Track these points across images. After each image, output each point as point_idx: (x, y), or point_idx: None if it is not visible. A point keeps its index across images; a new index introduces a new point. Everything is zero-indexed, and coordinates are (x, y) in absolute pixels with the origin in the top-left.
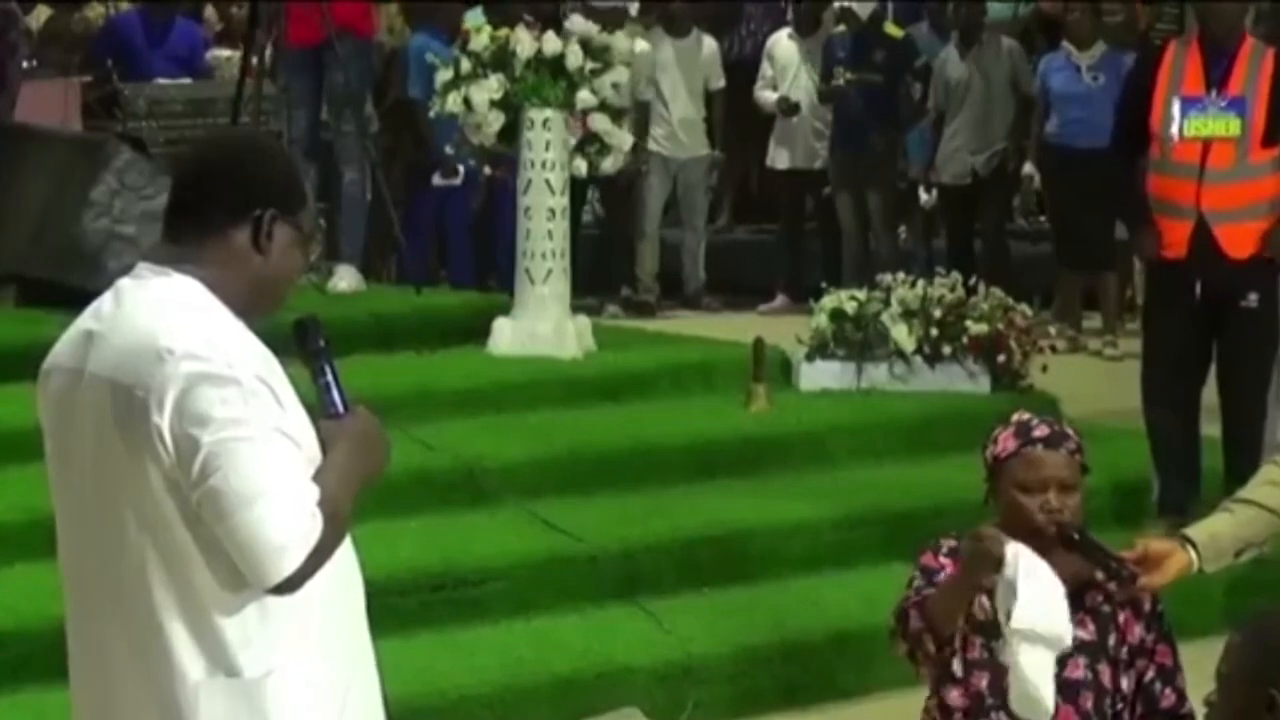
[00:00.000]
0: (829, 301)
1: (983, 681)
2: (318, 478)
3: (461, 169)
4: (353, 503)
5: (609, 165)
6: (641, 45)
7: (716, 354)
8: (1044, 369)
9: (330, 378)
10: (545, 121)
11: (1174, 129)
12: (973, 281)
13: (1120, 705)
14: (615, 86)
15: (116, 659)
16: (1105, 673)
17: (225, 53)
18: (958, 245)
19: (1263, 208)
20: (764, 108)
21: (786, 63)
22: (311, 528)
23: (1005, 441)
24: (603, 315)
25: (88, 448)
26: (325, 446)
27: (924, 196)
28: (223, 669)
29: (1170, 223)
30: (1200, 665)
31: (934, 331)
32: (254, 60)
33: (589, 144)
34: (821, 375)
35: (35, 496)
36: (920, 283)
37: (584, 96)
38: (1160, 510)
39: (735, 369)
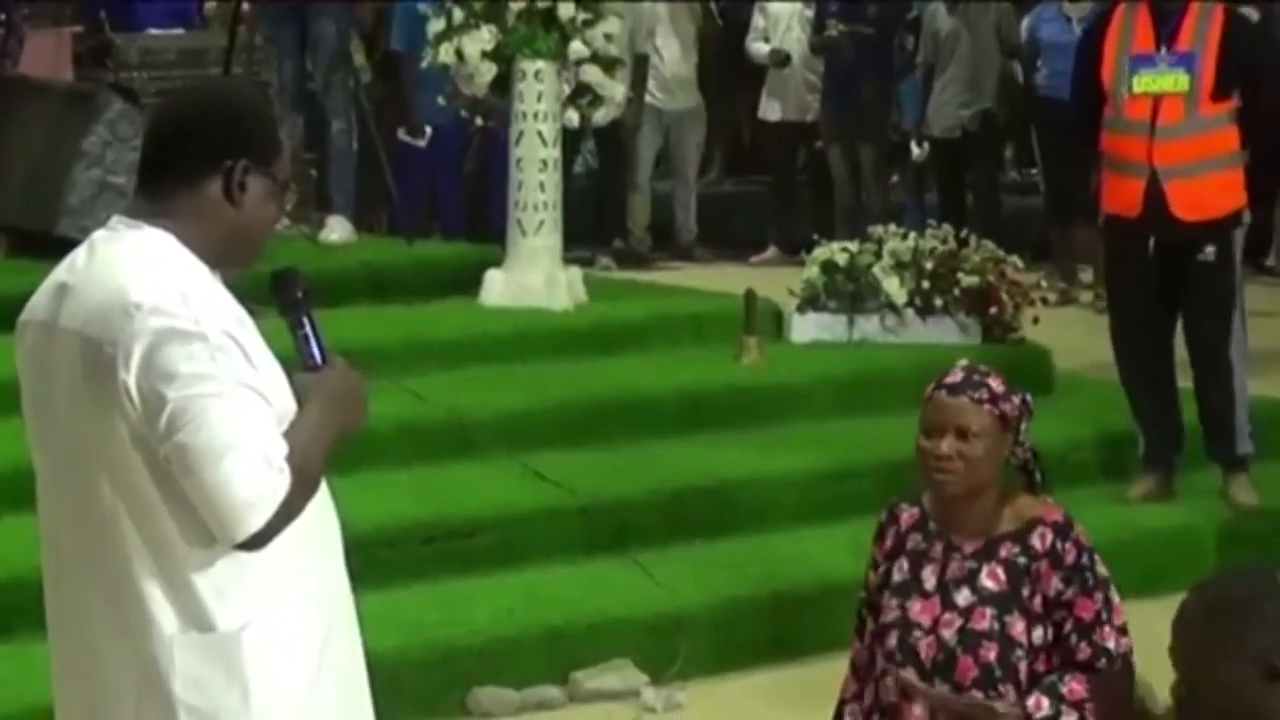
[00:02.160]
0: (820, 253)
1: (893, 640)
2: (289, 433)
3: (429, 129)
4: (325, 457)
5: (601, 117)
6: None
7: (708, 306)
8: (1035, 321)
9: (309, 329)
10: (537, 73)
11: (1124, 86)
12: (964, 234)
13: (1034, 658)
14: (607, 37)
15: (94, 612)
16: (1016, 625)
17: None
18: (949, 198)
19: (1217, 161)
20: (755, 60)
21: (779, 14)
22: (279, 483)
23: (929, 387)
24: (594, 267)
25: (60, 402)
26: (300, 400)
27: (915, 150)
28: (197, 623)
29: (1124, 180)
30: None
31: (925, 284)
32: (244, 10)
33: (581, 95)
34: (813, 327)
35: (24, 447)
36: (912, 235)
37: (576, 48)
38: (1145, 464)
39: (726, 321)
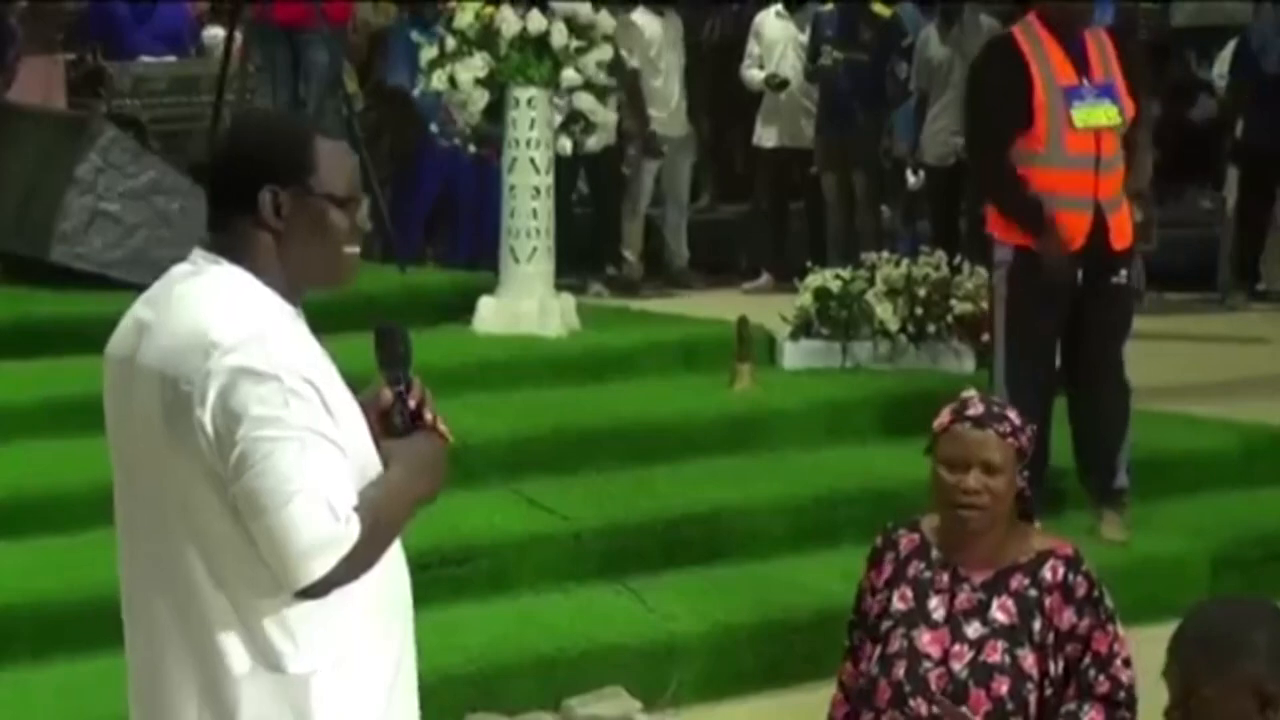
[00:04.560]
0: (813, 280)
1: (900, 670)
2: (369, 489)
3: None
4: (404, 519)
5: (594, 143)
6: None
7: (700, 333)
8: None
9: (403, 387)
10: (530, 100)
11: (1063, 121)
12: (957, 260)
13: (1049, 691)
14: (600, 65)
15: (167, 647)
16: (1027, 658)
17: (221, 32)
18: (943, 225)
19: (1126, 188)
20: (751, 86)
21: (773, 41)
22: (344, 534)
23: (943, 416)
24: (587, 294)
25: (138, 438)
26: (386, 461)
27: (911, 179)
28: (268, 664)
29: (1066, 216)
30: None
31: (918, 310)
32: (237, 38)
33: (574, 122)
34: (805, 354)
35: (18, 475)
36: (905, 261)
37: (569, 75)
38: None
39: (719, 348)
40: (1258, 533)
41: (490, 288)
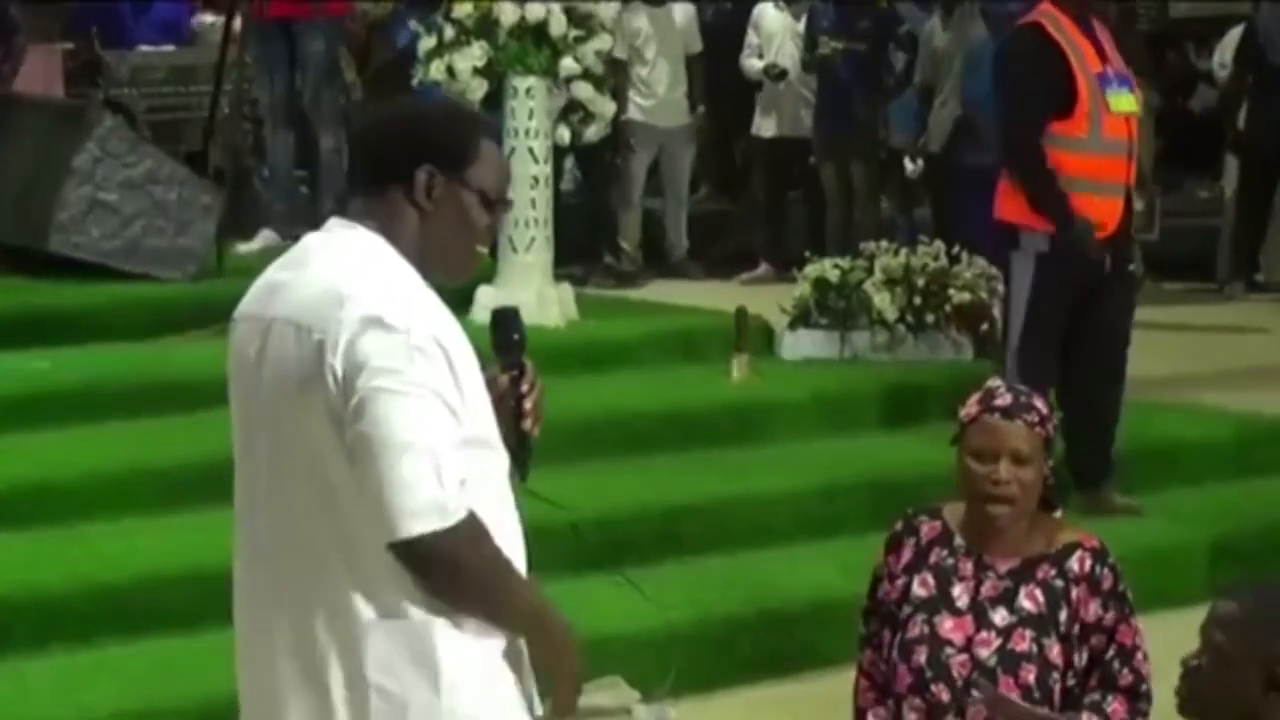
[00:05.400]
0: (812, 270)
1: (922, 656)
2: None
3: None
4: (506, 597)
5: (592, 133)
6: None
7: (699, 323)
8: None
9: (518, 372)
10: (528, 89)
11: (1102, 106)
12: (956, 250)
13: (1071, 681)
14: (599, 54)
15: (291, 594)
16: (1053, 648)
17: (209, 18)
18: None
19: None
20: (750, 76)
21: (772, 31)
22: (446, 501)
23: (971, 406)
24: (587, 284)
25: (267, 392)
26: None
27: (910, 166)
28: (392, 612)
29: (1103, 201)
30: (1184, 635)
31: (917, 300)
32: (235, 28)
33: (572, 112)
34: (804, 344)
35: (14, 467)
36: (903, 251)
37: (567, 64)
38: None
39: (718, 338)
40: (1255, 523)
41: (488, 277)
